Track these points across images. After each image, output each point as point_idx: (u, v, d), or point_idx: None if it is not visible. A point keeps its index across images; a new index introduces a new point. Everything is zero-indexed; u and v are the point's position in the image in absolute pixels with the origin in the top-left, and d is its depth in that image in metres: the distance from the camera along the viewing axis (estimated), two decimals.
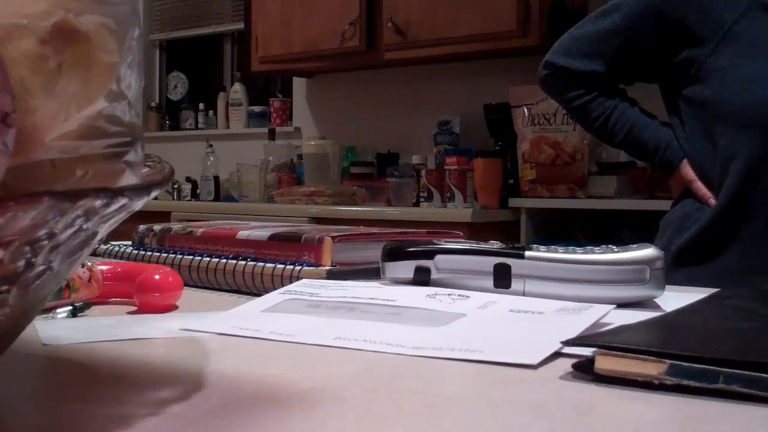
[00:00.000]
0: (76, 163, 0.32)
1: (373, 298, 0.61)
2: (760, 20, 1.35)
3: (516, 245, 0.67)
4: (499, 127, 2.95)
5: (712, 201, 1.38)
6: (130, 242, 0.91)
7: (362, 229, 0.84)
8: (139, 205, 0.34)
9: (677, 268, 1.37)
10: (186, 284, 0.67)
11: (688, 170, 1.42)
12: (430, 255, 0.69)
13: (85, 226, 0.31)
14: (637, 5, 1.42)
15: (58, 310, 0.60)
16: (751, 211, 1.34)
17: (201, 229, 0.84)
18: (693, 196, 1.42)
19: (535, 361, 0.44)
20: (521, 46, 2.92)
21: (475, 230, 2.63)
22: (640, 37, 1.43)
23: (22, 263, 0.30)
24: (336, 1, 3.30)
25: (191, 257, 0.80)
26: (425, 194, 2.99)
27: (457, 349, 0.47)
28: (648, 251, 0.65)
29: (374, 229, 0.85)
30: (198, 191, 3.89)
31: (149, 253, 0.85)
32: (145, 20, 4.43)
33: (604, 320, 0.54)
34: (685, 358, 0.39)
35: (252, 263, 0.75)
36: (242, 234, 0.80)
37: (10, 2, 0.31)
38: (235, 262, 0.76)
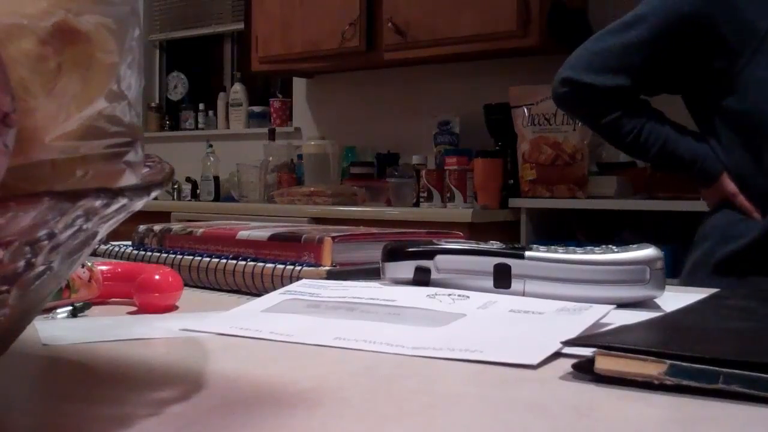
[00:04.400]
0: (76, 163, 0.32)
1: (373, 298, 0.61)
2: None
3: (516, 245, 0.67)
4: (499, 127, 2.96)
5: (756, 215, 1.33)
6: (130, 242, 0.91)
7: (362, 229, 0.84)
8: (139, 205, 0.34)
9: (718, 278, 1.33)
10: (186, 284, 0.67)
11: (729, 183, 1.37)
12: (430, 255, 0.68)
13: (85, 226, 0.31)
14: (666, 16, 1.36)
15: (58, 310, 0.60)
16: None
17: (201, 230, 0.84)
18: (732, 207, 1.37)
19: (535, 361, 0.44)
20: (521, 46, 2.92)
21: (475, 230, 2.63)
22: (670, 48, 1.37)
23: (22, 263, 0.30)
24: (336, 2, 3.30)
25: (191, 257, 0.80)
26: (425, 194, 2.99)
27: (456, 349, 0.47)
28: (648, 251, 0.65)
29: (374, 229, 0.85)
30: (198, 191, 3.89)
31: (149, 253, 0.85)
32: (145, 20, 4.42)
33: (604, 320, 0.54)
34: (685, 358, 0.39)
35: (252, 263, 0.75)
36: (242, 234, 0.80)
37: (10, 2, 0.31)
38: (235, 262, 0.76)
